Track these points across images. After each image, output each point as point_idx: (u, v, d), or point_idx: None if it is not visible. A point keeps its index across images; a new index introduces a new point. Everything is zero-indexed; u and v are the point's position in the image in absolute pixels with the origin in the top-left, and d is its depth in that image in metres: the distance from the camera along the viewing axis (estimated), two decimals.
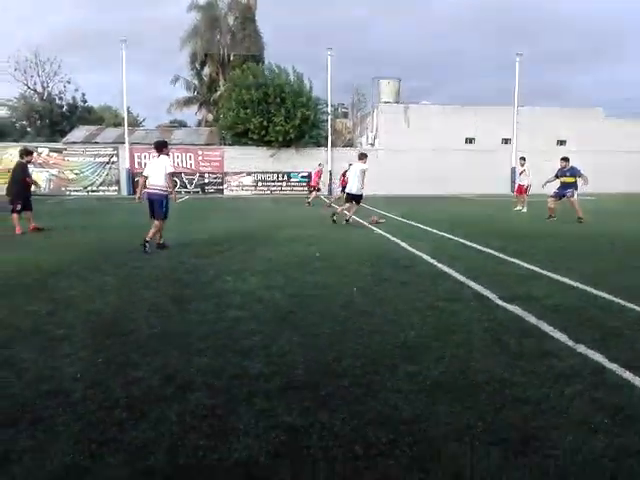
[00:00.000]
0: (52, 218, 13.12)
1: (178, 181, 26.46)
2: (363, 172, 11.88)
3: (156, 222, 8.11)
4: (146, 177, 8.36)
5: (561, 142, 29.42)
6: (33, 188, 11.05)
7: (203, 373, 3.22)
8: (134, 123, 41.83)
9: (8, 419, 2.61)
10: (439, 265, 6.78)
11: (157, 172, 8.24)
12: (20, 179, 10.60)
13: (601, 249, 8.26)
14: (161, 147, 8.36)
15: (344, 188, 17.28)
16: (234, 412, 2.71)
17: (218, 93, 34.25)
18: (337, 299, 5.04)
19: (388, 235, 9.92)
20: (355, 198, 12.20)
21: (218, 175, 27.18)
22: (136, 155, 26.71)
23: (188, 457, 2.27)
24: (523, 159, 17.61)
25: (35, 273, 6.29)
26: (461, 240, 9.19)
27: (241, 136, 27.15)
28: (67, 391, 2.95)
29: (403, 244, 8.71)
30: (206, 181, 27.12)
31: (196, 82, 38.97)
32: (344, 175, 17.57)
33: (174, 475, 2.14)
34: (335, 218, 12.20)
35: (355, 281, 5.84)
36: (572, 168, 13.70)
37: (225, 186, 27.24)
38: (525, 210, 16.32)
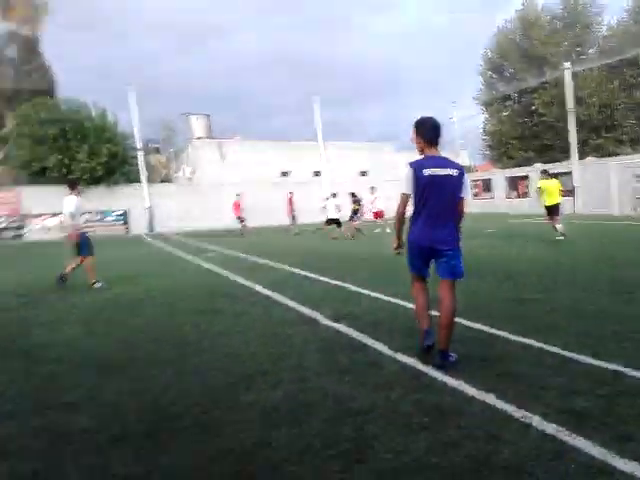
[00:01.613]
0: None
1: None
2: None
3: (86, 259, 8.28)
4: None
5: (363, 173, 32.72)
6: None
7: (17, 436, 2.80)
8: None
9: None
10: (269, 293, 6.94)
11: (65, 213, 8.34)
12: None
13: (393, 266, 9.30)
14: (72, 185, 8.75)
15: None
16: (59, 472, 2.41)
17: (6, 129, 30.68)
18: (169, 339, 4.82)
19: (218, 269, 9.84)
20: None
21: (15, 218, 24.07)
22: None
23: None
24: (373, 188, 19.68)
25: None
26: (286, 267, 9.55)
27: (39, 175, 24.67)
28: None
29: (234, 276, 8.72)
30: (1, 226, 23.78)
31: None
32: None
33: None
34: None
35: (187, 318, 5.66)
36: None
37: (26, 230, 24.21)
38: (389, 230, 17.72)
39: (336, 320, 5.25)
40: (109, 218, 25.65)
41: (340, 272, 8.68)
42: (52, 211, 24.35)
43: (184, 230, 21.46)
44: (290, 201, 21.68)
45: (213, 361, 4.09)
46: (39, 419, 3.04)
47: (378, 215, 19.61)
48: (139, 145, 27.36)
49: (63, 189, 25.04)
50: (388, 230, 18.19)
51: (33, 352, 4.51)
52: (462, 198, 3.97)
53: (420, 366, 3.76)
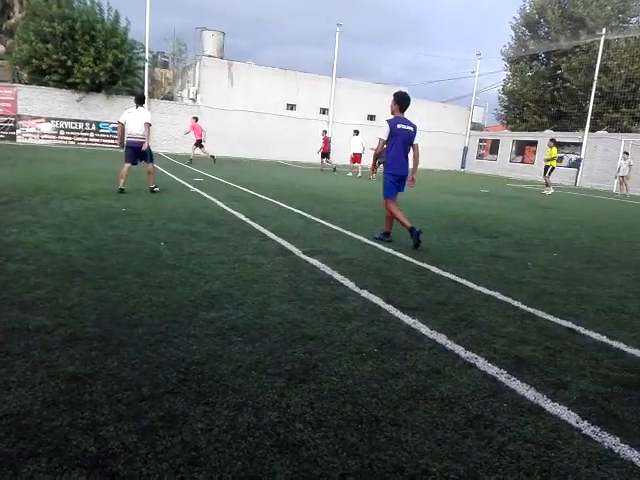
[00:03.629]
0: None
1: None
2: None
3: (149, 166, 9.31)
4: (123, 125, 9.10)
5: (371, 117, 31.89)
6: None
7: None
8: None
9: None
10: (251, 223, 6.93)
11: (136, 123, 9.01)
12: None
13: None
14: (141, 100, 9.49)
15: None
16: (6, 365, 2.46)
17: (12, 20, 29.04)
18: (141, 253, 4.83)
19: (205, 194, 9.77)
20: None
21: (9, 118, 23.38)
22: None
23: None
24: (356, 131, 20.51)
25: None
26: (275, 201, 9.50)
27: (39, 75, 23.55)
28: None
29: (219, 203, 8.68)
30: None
31: None
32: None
33: None
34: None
35: (164, 236, 5.66)
36: None
37: (19, 132, 23.58)
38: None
39: (311, 255, 5.27)
40: (104, 131, 25.01)
41: (326, 211, 8.66)
42: (48, 115, 23.77)
43: (180, 152, 21.00)
44: (325, 140, 22.11)
45: (181, 278, 4.12)
46: None
47: (355, 159, 20.05)
48: (147, 56, 26.19)
49: (61, 92, 24.37)
50: (358, 175, 18.50)
51: (1, 250, 4.51)
52: (416, 144, 6.27)
53: (381, 304, 3.82)
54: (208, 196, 9.46)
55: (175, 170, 15.09)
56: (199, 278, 4.17)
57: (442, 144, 33.87)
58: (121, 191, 8.90)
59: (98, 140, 24.87)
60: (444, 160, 34.13)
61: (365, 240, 6.33)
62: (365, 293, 4.07)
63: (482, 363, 2.91)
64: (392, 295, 4.06)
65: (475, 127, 37.24)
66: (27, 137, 23.67)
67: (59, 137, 24.19)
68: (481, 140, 35.10)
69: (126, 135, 9.09)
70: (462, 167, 35.66)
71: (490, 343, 3.21)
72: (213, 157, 19.87)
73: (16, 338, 2.77)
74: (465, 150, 35.71)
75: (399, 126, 6.05)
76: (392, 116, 6.22)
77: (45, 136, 23.95)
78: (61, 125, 24.18)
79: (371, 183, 16.37)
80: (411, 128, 6.10)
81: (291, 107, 30.29)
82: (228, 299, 3.71)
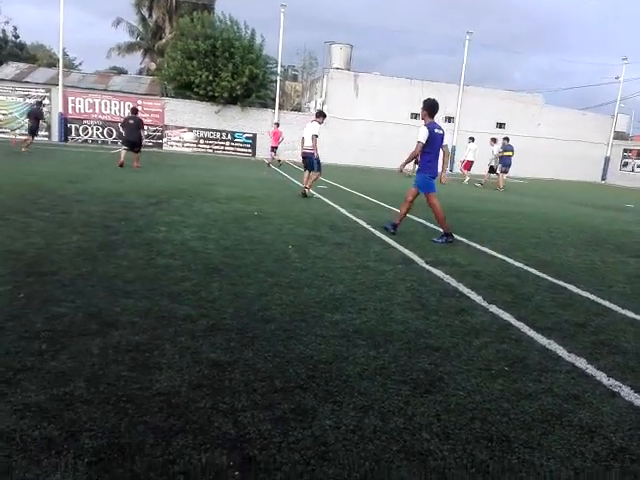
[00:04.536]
0: None
1: (114, 131, 25.27)
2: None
3: (312, 174, 10.34)
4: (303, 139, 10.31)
5: (500, 124, 30.44)
6: None
7: (129, 313, 3.22)
8: (69, 65, 39.07)
9: None
10: (373, 230, 6.98)
11: (307, 136, 10.07)
12: None
13: (519, 225, 8.79)
14: (318, 115, 10.22)
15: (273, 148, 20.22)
16: (158, 348, 2.74)
17: (163, 41, 32.49)
18: (271, 254, 5.11)
19: (328, 201, 10.04)
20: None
21: (158, 128, 26.07)
22: (70, 99, 25.05)
23: (108, 385, 2.30)
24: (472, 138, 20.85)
25: None
26: (397, 209, 9.46)
27: (184, 88, 25.98)
28: None
29: (342, 210, 8.87)
30: (145, 133, 25.86)
31: (140, 28, 36.71)
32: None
33: (93, 400, 2.16)
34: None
35: (291, 239, 5.92)
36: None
37: (165, 140, 26.19)
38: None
39: (434, 265, 5.17)
40: (238, 140, 26.82)
41: (449, 221, 8.43)
42: (190, 125, 26.14)
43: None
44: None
45: (307, 280, 4.28)
46: (149, 302, 3.44)
47: (466, 167, 20.48)
48: (280, 70, 27.73)
49: (202, 105, 26.64)
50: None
51: (153, 245, 5.04)
52: (445, 145, 6.79)
53: (512, 321, 3.63)
54: (331, 203, 9.71)
55: (300, 177, 15.69)
56: (324, 281, 4.30)
57: (579, 154, 31.31)
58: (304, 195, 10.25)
59: (233, 149, 26.79)
60: (581, 171, 31.51)
61: (492, 252, 6.06)
62: (494, 308, 3.89)
63: (627, 392, 2.64)
64: (524, 312, 3.84)
65: (619, 136, 33.84)
66: (172, 145, 26.20)
67: (199, 145, 26.45)
68: (626, 150, 31.80)
69: (302, 147, 10.43)
70: (603, 179, 32.59)
71: (637, 372, 2.90)
72: (280, 161, 21.16)
73: (166, 325, 3.08)
74: (607, 160, 32.60)
75: (436, 131, 6.49)
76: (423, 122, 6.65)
77: (187, 144, 26.34)
78: (201, 134, 26.43)
79: (497, 193, 15.65)
80: (441, 131, 6.59)
81: (415, 116, 29.93)
82: (352, 303, 3.78)
